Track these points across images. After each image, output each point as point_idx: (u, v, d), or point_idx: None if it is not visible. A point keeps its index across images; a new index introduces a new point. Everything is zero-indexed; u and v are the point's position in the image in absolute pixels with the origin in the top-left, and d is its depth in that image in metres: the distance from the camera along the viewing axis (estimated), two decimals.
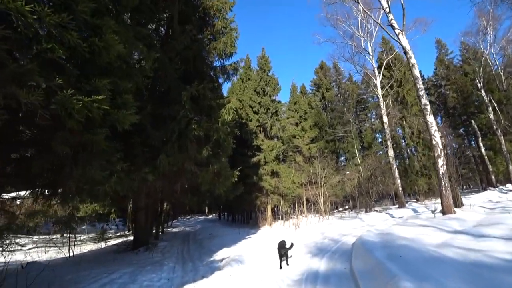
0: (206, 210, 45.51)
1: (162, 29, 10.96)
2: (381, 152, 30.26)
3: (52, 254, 10.63)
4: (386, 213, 16.32)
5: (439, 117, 33.63)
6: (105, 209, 15.25)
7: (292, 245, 7.19)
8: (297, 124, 23.81)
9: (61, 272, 6.37)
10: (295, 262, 6.78)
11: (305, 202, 21.06)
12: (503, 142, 22.65)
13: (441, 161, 10.46)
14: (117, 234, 17.68)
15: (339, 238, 9.57)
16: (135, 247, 9.71)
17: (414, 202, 23.91)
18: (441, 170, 10.39)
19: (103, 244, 13.06)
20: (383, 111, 21.39)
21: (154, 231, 14.09)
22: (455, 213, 10.02)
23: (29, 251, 12.12)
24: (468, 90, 29.05)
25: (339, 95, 33.87)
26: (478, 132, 27.44)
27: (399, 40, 12.31)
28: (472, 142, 32.36)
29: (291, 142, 23.13)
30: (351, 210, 24.15)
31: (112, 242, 13.48)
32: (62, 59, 3.13)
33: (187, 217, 39.26)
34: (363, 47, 23.03)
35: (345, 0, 18.93)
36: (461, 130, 32.45)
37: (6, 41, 2.73)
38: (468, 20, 64.76)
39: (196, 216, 40.99)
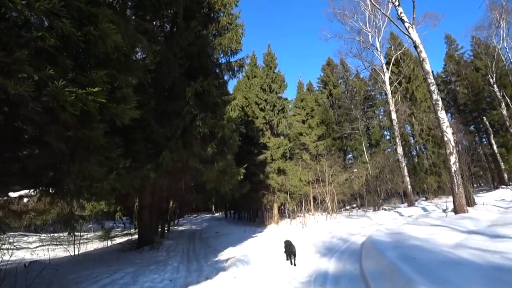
0: (213, 209, 45.57)
1: (167, 25, 10.84)
2: (389, 149, 29.78)
3: (59, 252, 10.61)
4: (395, 211, 16.00)
5: (449, 114, 32.90)
6: (111, 208, 15.21)
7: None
8: (303, 122, 23.51)
9: (63, 271, 6.25)
10: (303, 262, 6.55)
11: (312, 200, 20.81)
12: None
13: (453, 158, 10.12)
14: (124, 233, 17.70)
15: (348, 237, 9.31)
16: (140, 245, 9.59)
17: (423, 200, 23.51)
18: (453, 168, 10.05)
19: (109, 243, 13.02)
20: (392, 107, 20.97)
21: (159, 229, 14.02)
22: (467, 212, 9.69)
23: (36, 249, 12.16)
24: (479, 85, 28.30)
25: (346, 92, 33.40)
26: (490, 128, 26.80)
27: (409, 33, 11.95)
28: (484, 139, 31.65)
29: (297, 139, 22.85)
30: (359, 209, 23.80)
31: (118, 240, 13.43)
32: (54, 48, 2.94)
33: (194, 216, 39.33)
34: (371, 42, 22.65)
35: None
36: (471, 127, 31.69)
37: None
38: (480, 13, 63.35)
39: (203, 215, 41.05)
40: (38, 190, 5.27)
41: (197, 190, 11.12)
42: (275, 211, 18.95)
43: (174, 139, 7.14)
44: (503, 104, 23.40)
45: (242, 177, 9.91)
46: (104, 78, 3.44)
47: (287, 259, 6.77)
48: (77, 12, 3.22)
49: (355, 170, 23.80)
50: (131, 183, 4.98)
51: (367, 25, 22.49)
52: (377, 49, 22.43)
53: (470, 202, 11.45)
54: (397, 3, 12.29)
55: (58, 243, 12.16)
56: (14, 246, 8.95)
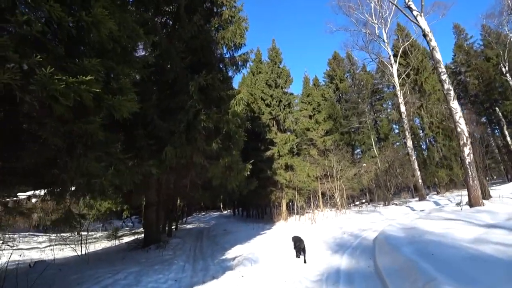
0: (221, 206, 45.53)
1: (170, 22, 10.66)
2: (398, 143, 29.29)
3: (67, 252, 10.55)
4: (406, 206, 15.65)
5: (460, 106, 32.10)
6: (118, 207, 15.14)
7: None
8: (310, 117, 23.17)
9: (67, 271, 6.12)
10: (313, 259, 6.30)
11: (320, 196, 20.52)
12: None
13: (467, 150, 9.73)
14: (132, 231, 17.66)
15: (359, 233, 9.03)
16: (146, 244, 9.44)
17: (435, 194, 23.04)
18: (468, 159, 9.67)
19: (117, 242, 12.95)
20: (400, 100, 20.52)
21: (167, 228, 13.90)
22: (483, 205, 9.32)
23: (45, 249, 12.15)
24: (490, 75, 27.55)
25: (353, 85, 32.92)
26: (503, 119, 26.06)
27: (418, 22, 11.55)
28: (496, 131, 30.86)
29: (305, 135, 22.54)
30: (369, 204, 23.45)
31: (126, 239, 13.35)
32: (41, 33, 2.73)
33: (202, 214, 39.36)
34: (378, 34, 22.20)
35: None
36: (483, 119, 30.88)
37: None
38: (490, 0, 61.56)
39: (211, 212, 41.04)
40: (40, 189, 5.14)
41: (203, 187, 10.95)
42: (284, 207, 18.72)
43: (177, 134, 6.93)
44: None
45: (249, 173, 9.70)
46: (98, 67, 3.22)
47: (297, 256, 6.55)
48: None
49: (364, 164, 23.42)
50: (132, 180, 4.78)
51: (373, 17, 22.04)
52: (384, 40, 21.96)
53: (486, 195, 11.06)
54: None
55: (66, 242, 12.13)
56: (15, 245, 8.94)
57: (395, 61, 21.80)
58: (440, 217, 7.91)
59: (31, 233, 16.14)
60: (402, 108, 20.38)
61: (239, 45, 10.91)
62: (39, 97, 2.75)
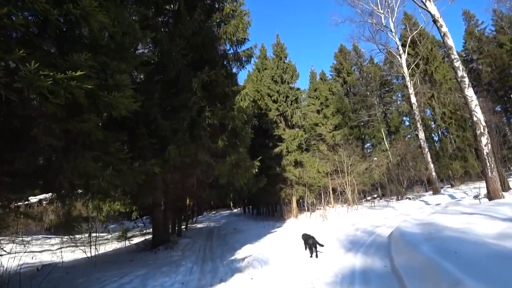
0: (231, 205, 45.49)
1: (171, 20, 10.51)
2: (409, 135, 28.62)
3: (78, 254, 10.55)
4: (421, 200, 15.24)
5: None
6: (127, 208, 15.15)
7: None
8: (318, 112, 22.76)
9: (74, 274, 6.03)
10: (326, 258, 6.05)
11: (331, 192, 20.18)
12: None
13: (484, 140, 9.31)
14: (143, 232, 17.66)
15: (372, 229, 8.72)
16: (154, 245, 9.33)
17: (449, 187, 22.46)
18: (485, 150, 9.25)
19: (127, 243, 12.92)
20: (411, 91, 19.99)
21: (176, 228, 13.81)
22: (503, 197, 8.94)
23: (56, 251, 12.20)
24: (504, 62, 26.60)
25: (361, 78, 32.31)
26: None
27: (427, 7, 11.12)
28: None
29: (313, 130, 22.15)
30: (381, 199, 22.99)
31: (136, 240, 13.32)
32: (25, 27, 2.55)
33: (213, 212, 39.38)
34: (384, 24, 21.61)
35: None
36: (498, 107, 29.86)
37: None
38: None
39: (222, 211, 41.02)
40: (49, 192, 5.01)
41: (210, 186, 10.77)
42: (294, 204, 18.46)
43: (181, 132, 6.75)
44: None
45: (257, 170, 9.49)
46: (90, 62, 3.03)
47: (310, 256, 6.31)
48: None
49: (375, 158, 22.93)
50: (135, 180, 4.62)
51: (379, 6, 21.44)
52: (391, 30, 21.41)
53: (505, 187, 10.67)
54: None
55: (77, 244, 12.15)
56: (27, 248, 8.93)
57: (404, 51, 21.24)
58: (457, 211, 7.56)
59: (44, 236, 16.30)
60: (413, 99, 19.84)
61: (242, 40, 10.65)
62: (25, 95, 2.57)
